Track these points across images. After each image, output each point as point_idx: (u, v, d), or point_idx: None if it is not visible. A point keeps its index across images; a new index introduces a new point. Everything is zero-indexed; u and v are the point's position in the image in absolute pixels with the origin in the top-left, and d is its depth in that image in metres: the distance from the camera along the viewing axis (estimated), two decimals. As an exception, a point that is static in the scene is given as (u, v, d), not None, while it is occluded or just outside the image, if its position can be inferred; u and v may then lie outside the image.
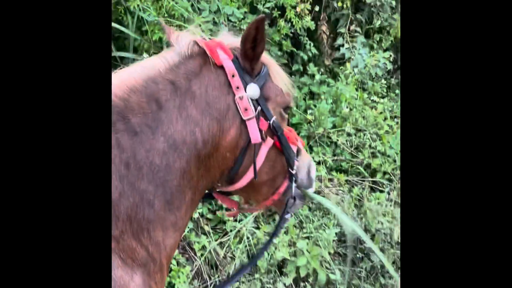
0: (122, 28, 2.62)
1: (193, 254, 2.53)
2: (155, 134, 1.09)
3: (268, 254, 2.46)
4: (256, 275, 2.44)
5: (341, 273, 2.51)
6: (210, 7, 2.82)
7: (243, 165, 1.25)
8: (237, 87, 1.19)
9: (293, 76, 3.95)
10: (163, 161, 1.09)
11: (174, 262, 2.37)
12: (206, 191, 1.33)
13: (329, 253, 2.47)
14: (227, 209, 1.52)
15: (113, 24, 2.54)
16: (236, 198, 1.51)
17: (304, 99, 3.74)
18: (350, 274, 2.52)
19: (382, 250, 2.63)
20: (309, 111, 3.59)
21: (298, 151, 1.43)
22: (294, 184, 1.40)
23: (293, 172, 1.37)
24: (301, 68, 3.92)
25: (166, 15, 2.69)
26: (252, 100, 1.21)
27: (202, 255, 2.49)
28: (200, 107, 1.15)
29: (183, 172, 1.12)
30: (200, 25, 2.60)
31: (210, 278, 2.45)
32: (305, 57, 3.87)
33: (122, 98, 1.08)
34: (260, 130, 1.22)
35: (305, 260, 2.38)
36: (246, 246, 2.51)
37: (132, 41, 2.71)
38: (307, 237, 2.56)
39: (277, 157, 1.33)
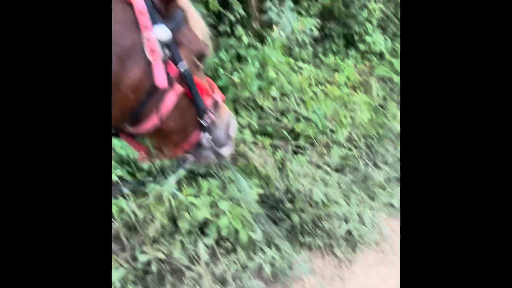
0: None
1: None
2: None
3: (189, 214, 2.42)
4: (177, 236, 2.41)
5: (263, 232, 2.55)
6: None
7: (147, 108, 1.20)
8: (145, 27, 1.12)
9: (220, 37, 3.85)
10: None
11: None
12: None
13: (251, 213, 2.49)
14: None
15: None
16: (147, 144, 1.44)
17: (231, 62, 3.66)
18: (271, 233, 2.57)
19: (302, 209, 2.71)
20: (236, 74, 3.53)
21: (216, 104, 1.38)
22: (208, 136, 1.36)
23: (206, 124, 1.34)
24: (229, 29, 3.82)
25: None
26: (161, 42, 1.15)
27: (121, 219, 2.40)
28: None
29: None
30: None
31: (128, 241, 2.37)
32: (233, 19, 3.77)
33: None
34: (169, 76, 1.18)
35: (226, 220, 2.38)
36: (167, 209, 2.45)
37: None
38: (230, 199, 2.56)
39: (187, 106, 1.29)
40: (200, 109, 1.32)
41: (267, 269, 2.42)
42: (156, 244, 2.38)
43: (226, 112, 1.47)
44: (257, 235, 2.42)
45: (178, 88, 1.22)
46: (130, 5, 1.11)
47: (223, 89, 3.51)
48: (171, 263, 2.32)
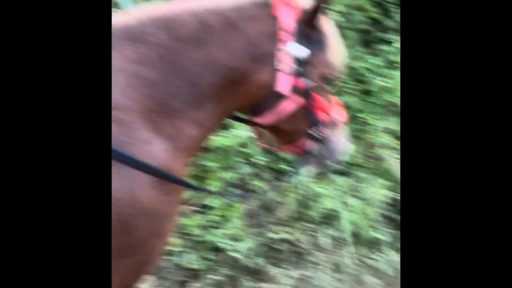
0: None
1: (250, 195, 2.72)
2: (200, 49, 1.29)
3: (318, 204, 2.58)
4: (304, 223, 2.59)
5: (390, 235, 2.56)
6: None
7: (266, 106, 1.41)
8: (282, 41, 1.32)
9: (375, 44, 3.89)
10: (201, 71, 1.29)
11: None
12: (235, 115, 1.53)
13: (377, 213, 2.53)
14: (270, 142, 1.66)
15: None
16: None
17: (382, 68, 3.68)
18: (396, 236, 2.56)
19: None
20: (386, 80, 3.54)
21: (334, 123, 1.53)
22: (316, 148, 1.52)
23: (318, 136, 1.49)
24: (384, 36, 3.84)
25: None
26: (294, 58, 1.34)
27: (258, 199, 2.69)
28: (243, 43, 1.32)
29: (214, 86, 1.31)
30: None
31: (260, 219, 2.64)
32: (392, 25, 3.77)
33: (179, 15, 1.30)
34: (294, 87, 1.36)
35: (352, 215, 2.47)
36: (298, 196, 2.65)
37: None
38: (358, 197, 2.63)
39: (302, 117, 1.45)
40: (312, 123, 1.46)
41: (390, 271, 2.43)
42: (284, 226, 2.60)
43: (342, 133, 1.59)
44: (380, 235, 2.45)
45: (298, 100, 1.39)
46: (274, 18, 1.32)
47: (374, 94, 3.56)
48: (295, 244, 2.52)
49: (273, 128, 1.49)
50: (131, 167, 1.17)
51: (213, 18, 1.31)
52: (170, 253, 2.38)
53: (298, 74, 1.36)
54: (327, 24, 1.43)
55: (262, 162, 2.77)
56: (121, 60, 1.22)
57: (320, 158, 1.56)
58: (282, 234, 2.53)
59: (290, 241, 2.55)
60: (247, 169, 2.73)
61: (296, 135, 1.51)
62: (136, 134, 1.21)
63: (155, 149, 1.23)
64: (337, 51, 1.46)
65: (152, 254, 1.32)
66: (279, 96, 1.37)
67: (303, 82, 1.37)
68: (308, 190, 2.64)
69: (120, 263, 1.21)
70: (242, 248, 2.42)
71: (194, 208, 2.61)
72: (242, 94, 1.36)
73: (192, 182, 1.68)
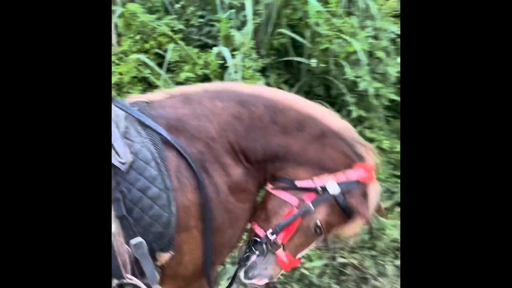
0: (301, 39, 3.30)
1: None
2: (282, 137, 1.61)
3: (386, 235, 2.81)
4: (373, 252, 2.82)
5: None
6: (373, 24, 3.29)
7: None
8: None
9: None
10: (276, 148, 1.62)
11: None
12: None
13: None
14: None
15: (293, 35, 3.25)
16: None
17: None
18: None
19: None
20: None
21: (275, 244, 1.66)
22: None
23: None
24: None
25: (335, 30, 3.26)
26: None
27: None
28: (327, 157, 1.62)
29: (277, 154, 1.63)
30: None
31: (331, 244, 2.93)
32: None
33: (287, 107, 1.62)
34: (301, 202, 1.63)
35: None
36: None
37: (306, 49, 3.36)
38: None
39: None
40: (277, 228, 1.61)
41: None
42: (353, 253, 2.86)
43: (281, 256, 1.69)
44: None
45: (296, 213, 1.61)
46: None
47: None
48: (361, 270, 2.76)
49: (263, 208, 1.74)
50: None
51: (310, 127, 1.60)
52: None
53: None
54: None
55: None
56: (223, 110, 1.59)
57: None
58: (351, 259, 2.79)
59: (357, 266, 2.79)
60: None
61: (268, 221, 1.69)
62: (220, 158, 1.57)
63: (234, 172, 1.59)
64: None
65: (228, 242, 1.66)
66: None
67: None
68: (377, 221, 2.89)
69: (207, 242, 1.56)
70: (314, 266, 2.72)
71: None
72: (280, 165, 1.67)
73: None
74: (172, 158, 1.49)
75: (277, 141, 1.60)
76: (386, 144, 3.36)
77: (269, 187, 1.70)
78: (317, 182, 1.58)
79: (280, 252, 1.62)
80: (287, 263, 1.64)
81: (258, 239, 1.64)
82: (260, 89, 1.74)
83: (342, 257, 2.83)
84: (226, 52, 3.05)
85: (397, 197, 3.12)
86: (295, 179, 1.61)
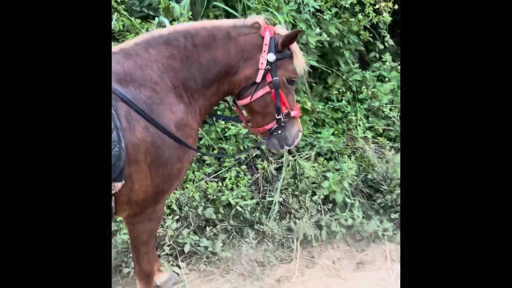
0: (233, 11, 3.68)
1: (255, 171, 3.53)
2: (206, 51, 2.00)
3: (306, 178, 3.35)
4: (296, 191, 3.36)
5: (359, 203, 3.29)
6: (296, -1, 3.74)
7: (248, 91, 2.11)
8: (264, 51, 2.05)
9: (371, 63, 4.65)
10: (207, 64, 2.01)
11: (241, 172, 3.41)
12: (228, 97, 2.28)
13: (350, 184, 3.27)
14: (239, 121, 2.40)
15: (227, 7, 3.63)
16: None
17: (373, 80, 4.41)
18: (365, 204, 3.29)
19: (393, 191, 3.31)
20: (374, 90, 4.26)
21: (291, 115, 2.19)
22: (279, 131, 2.18)
23: (280, 119, 2.14)
24: (377, 55, 4.59)
25: (264, 3, 3.68)
26: (268, 61, 2.04)
27: (262, 173, 3.49)
28: (238, 49, 2.04)
29: (216, 75, 2.04)
30: (286, 13, 3.56)
31: (263, 188, 3.43)
32: (382, 47, 4.53)
33: (195, 29, 2.02)
34: (264, 79, 2.06)
35: (329, 184, 3.22)
36: (290, 172, 3.43)
37: (238, 20, 3.75)
38: (336, 169, 3.38)
39: (269, 102, 2.12)
40: (278, 110, 2.11)
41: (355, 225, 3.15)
42: (281, 193, 3.38)
43: (298, 125, 2.25)
44: (351, 200, 3.19)
45: (266, 88, 2.08)
46: (262, 38, 2.06)
47: (362, 101, 4.31)
48: (287, 206, 3.29)
49: (249, 109, 2.18)
50: (156, 128, 1.86)
51: (218, 32, 2.02)
52: (195, 207, 3.20)
53: (268, 71, 2.05)
54: (295, 45, 2.13)
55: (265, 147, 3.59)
56: (158, 55, 1.93)
57: (278, 140, 2.23)
58: (277, 198, 3.31)
59: (282, 203, 3.32)
60: (254, 152, 3.56)
61: (264, 118, 2.17)
62: (165, 99, 1.91)
63: (178, 109, 1.94)
64: (298, 61, 2.12)
65: (177, 173, 2.02)
66: (256, 85, 2.08)
67: (272, 77, 2.08)
68: (299, 167, 3.43)
69: (155, 174, 1.92)
70: (247, 204, 3.21)
71: (214, 179, 3.45)
72: (233, 81, 2.09)
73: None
74: (121, 105, 1.82)
75: (206, 58, 1.99)
76: (308, 105, 3.88)
77: (240, 102, 2.15)
78: (261, 66, 2.04)
79: (294, 114, 2.21)
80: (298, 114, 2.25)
81: (275, 124, 2.16)
82: (174, 26, 2.11)
83: (270, 196, 3.34)
84: (166, 22, 3.38)
85: (316, 149, 3.67)
86: (246, 80, 2.08)
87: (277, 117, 2.15)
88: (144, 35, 2.06)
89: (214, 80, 2.06)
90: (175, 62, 1.97)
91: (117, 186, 1.81)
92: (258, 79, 2.07)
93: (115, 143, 1.73)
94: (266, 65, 2.05)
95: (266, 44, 2.05)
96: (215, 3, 3.67)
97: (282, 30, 2.13)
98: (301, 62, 2.15)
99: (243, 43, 2.07)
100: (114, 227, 1.87)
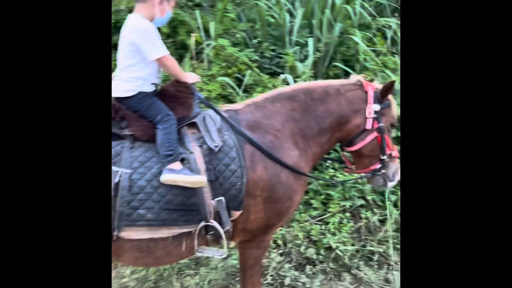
0: (351, 71, 4.01)
1: (359, 219, 3.68)
2: (322, 104, 2.39)
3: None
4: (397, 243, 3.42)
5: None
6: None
7: (359, 138, 2.44)
8: (370, 102, 2.42)
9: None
10: (322, 115, 2.38)
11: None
12: (339, 143, 2.58)
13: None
14: (345, 167, 2.67)
15: (345, 67, 3.97)
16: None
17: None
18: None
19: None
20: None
21: (392, 155, 2.47)
22: (382, 170, 2.48)
23: (384, 159, 2.44)
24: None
25: (380, 65, 3.94)
26: (374, 111, 2.40)
27: (366, 222, 3.63)
28: (348, 102, 2.41)
29: (330, 124, 2.39)
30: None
31: (365, 237, 3.56)
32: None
33: (312, 87, 2.44)
34: (373, 126, 2.40)
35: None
36: (393, 225, 3.52)
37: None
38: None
39: (375, 145, 2.44)
40: (383, 151, 2.43)
41: None
42: (380, 244, 3.46)
43: (397, 163, 2.52)
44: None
45: (374, 134, 2.42)
46: (366, 93, 2.45)
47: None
48: (387, 257, 3.36)
49: (358, 153, 2.49)
50: (277, 163, 2.22)
51: (330, 88, 2.43)
52: (298, 245, 3.47)
53: (375, 119, 2.40)
54: (391, 95, 2.48)
55: (370, 197, 3.74)
56: (282, 108, 2.35)
57: (383, 178, 2.51)
58: (378, 248, 3.41)
59: (382, 254, 3.41)
60: (359, 201, 3.73)
61: (371, 160, 2.48)
62: (284, 144, 2.29)
63: (293, 154, 2.30)
64: (395, 109, 2.48)
65: (286, 210, 2.36)
66: (365, 132, 2.43)
67: (377, 123, 2.41)
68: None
69: (268, 208, 2.26)
70: (347, 250, 3.38)
71: (318, 222, 3.69)
72: (345, 129, 2.44)
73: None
74: (248, 147, 2.23)
75: (321, 110, 2.37)
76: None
77: (351, 149, 2.48)
78: (369, 115, 2.39)
79: (394, 154, 2.49)
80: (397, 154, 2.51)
81: (379, 164, 2.47)
82: (295, 85, 2.57)
83: (371, 246, 3.45)
84: (290, 79, 3.84)
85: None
86: (356, 128, 2.42)
87: (382, 157, 2.45)
88: (272, 92, 2.52)
89: (328, 129, 2.41)
90: (296, 113, 2.37)
91: (236, 214, 2.16)
92: (368, 126, 2.41)
93: (239, 178, 2.12)
94: (374, 114, 2.38)
95: (370, 96, 2.41)
96: (336, 63, 4.05)
97: (379, 85, 2.48)
98: (395, 108, 2.49)
99: (351, 97, 2.44)
100: (226, 252, 2.20)
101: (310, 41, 4.02)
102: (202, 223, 2.10)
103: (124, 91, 2.16)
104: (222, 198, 2.11)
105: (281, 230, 3.56)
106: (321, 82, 2.56)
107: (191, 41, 4.18)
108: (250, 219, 2.24)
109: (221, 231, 2.11)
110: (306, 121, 2.37)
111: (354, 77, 2.54)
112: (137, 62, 2.14)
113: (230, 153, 2.16)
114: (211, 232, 2.14)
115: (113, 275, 3.20)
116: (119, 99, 2.16)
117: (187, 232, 2.10)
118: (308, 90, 2.43)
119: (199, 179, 2.02)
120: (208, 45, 4.23)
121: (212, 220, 2.11)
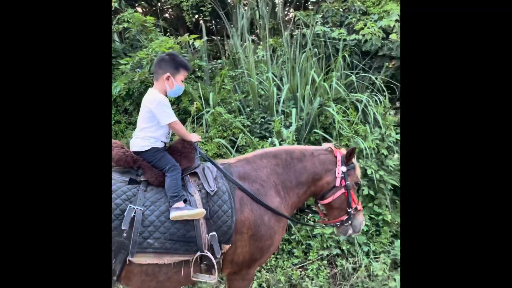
0: (329, 137, 4.63)
1: (335, 266, 4.10)
2: (299, 162, 2.89)
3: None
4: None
5: None
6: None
7: (329, 193, 2.93)
8: (338, 165, 2.93)
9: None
10: (300, 171, 2.88)
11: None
12: (313, 197, 3.09)
13: None
14: (319, 218, 3.20)
15: (324, 134, 4.60)
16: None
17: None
18: None
19: None
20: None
21: (357, 209, 2.98)
22: (348, 222, 2.97)
23: (351, 212, 2.94)
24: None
25: (353, 132, 4.57)
26: (342, 171, 2.91)
27: (340, 270, 4.05)
28: (320, 163, 2.94)
29: (306, 178, 2.90)
30: (371, 140, 4.39)
31: (339, 282, 3.95)
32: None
33: (292, 149, 3.01)
34: (341, 184, 2.90)
35: (394, 284, 3.64)
36: (364, 273, 3.94)
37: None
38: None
39: (343, 200, 2.92)
40: (349, 205, 2.90)
41: None
42: (353, 289, 3.85)
43: (361, 215, 3.01)
44: None
45: (342, 190, 2.89)
46: (335, 157, 3.00)
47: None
48: None
49: (328, 206, 2.97)
50: (262, 206, 2.76)
51: (306, 151, 2.96)
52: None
53: (342, 178, 2.92)
54: (354, 160, 3.04)
55: (345, 248, 4.18)
56: (268, 163, 2.86)
57: (348, 228, 2.99)
58: (350, 292, 3.79)
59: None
60: (335, 250, 4.17)
61: (339, 212, 2.95)
62: (268, 192, 2.80)
63: (275, 200, 2.80)
64: (358, 170, 3.03)
65: (267, 247, 2.84)
66: (335, 188, 2.93)
67: (345, 182, 2.94)
68: (372, 269, 3.91)
69: (253, 244, 2.78)
70: None
71: (299, 268, 4.09)
72: (319, 185, 2.93)
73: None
74: (238, 192, 2.76)
75: (299, 167, 2.90)
76: (388, 218, 4.45)
77: (322, 202, 2.97)
78: (338, 175, 2.89)
79: (359, 208, 2.99)
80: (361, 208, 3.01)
81: (346, 216, 2.93)
82: (279, 147, 3.19)
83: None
84: (276, 142, 4.44)
85: (391, 256, 4.13)
86: (327, 185, 2.92)
87: (348, 210, 2.93)
88: (260, 150, 3.09)
89: (304, 182, 2.91)
90: (278, 168, 2.90)
91: (226, 247, 2.64)
92: (337, 184, 2.91)
93: (229, 217, 2.62)
94: (342, 174, 2.91)
95: (339, 160, 2.96)
96: (316, 130, 4.69)
97: (344, 151, 3.04)
98: (358, 169, 3.04)
99: (323, 159, 2.99)
100: (217, 278, 2.65)
101: (294, 111, 4.68)
102: (198, 253, 2.55)
103: (141, 147, 2.71)
104: (215, 233, 2.57)
105: (266, 275, 3.96)
106: (299, 146, 3.16)
107: (193, 108, 4.82)
108: (237, 252, 2.68)
109: (213, 260, 2.56)
110: (287, 174, 2.89)
111: (326, 145, 3.13)
112: (152, 125, 2.72)
113: (223, 197, 2.65)
114: (205, 262, 2.59)
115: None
116: (137, 153, 2.71)
117: (185, 260, 2.55)
118: (289, 150, 3.01)
119: (200, 211, 2.52)
120: (207, 111, 4.86)
121: (206, 251, 2.57)
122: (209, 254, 2.56)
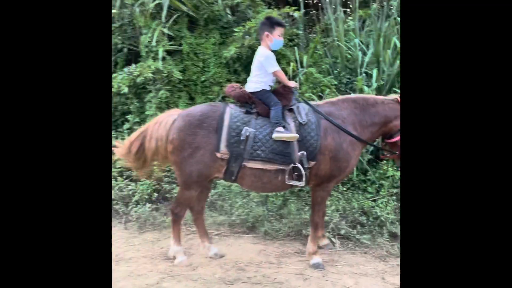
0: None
1: (401, 201, 4.80)
2: (373, 107, 3.74)
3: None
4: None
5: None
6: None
7: (396, 134, 3.74)
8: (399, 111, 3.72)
9: None
10: (373, 114, 3.73)
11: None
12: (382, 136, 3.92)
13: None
14: (391, 153, 3.93)
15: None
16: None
17: None
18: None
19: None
20: None
21: None
22: None
23: None
24: None
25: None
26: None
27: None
28: (389, 109, 3.76)
29: (378, 120, 3.74)
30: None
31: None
32: None
33: (367, 97, 3.86)
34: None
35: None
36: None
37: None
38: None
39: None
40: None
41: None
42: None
43: None
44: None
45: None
46: (399, 103, 3.78)
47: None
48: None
49: (394, 144, 3.78)
50: (344, 132, 3.68)
51: (378, 99, 3.80)
52: (353, 213, 4.66)
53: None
54: None
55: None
56: (348, 105, 3.73)
57: None
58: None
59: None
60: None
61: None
62: (347, 126, 3.65)
63: (353, 133, 3.71)
64: None
65: (344, 168, 3.73)
66: (399, 131, 3.72)
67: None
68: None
69: (332, 164, 3.68)
70: (389, 218, 4.51)
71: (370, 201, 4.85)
72: (388, 127, 3.78)
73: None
74: (324, 123, 3.65)
75: (372, 111, 3.70)
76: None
77: (389, 141, 3.82)
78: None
79: None
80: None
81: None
82: (357, 95, 4.06)
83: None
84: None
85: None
86: (395, 127, 3.70)
87: None
88: (342, 96, 3.98)
89: (377, 123, 3.76)
90: (356, 110, 3.75)
91: (311, 163, 3.59)
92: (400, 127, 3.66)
93: (315, 141, 3.56)
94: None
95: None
96: (394, 89, 5.28)
97: None
98: None
99: (392, 107, 3.78)
100: (304, 183, 3.55)
101: (375, 71, 5.32)
102: (292, 164, 3.52)
103: (254, 88, 3.71)
104: (304, 152, 3.53)
105: (343, 203, 4.79)
106: (373, 95, 4.00)
107: (289, 69, 5.71)
108: (320, 168, 3.58)
109: (303, 170, 3.50)
110: (363, 116, 3.74)
111: (392, 96, 3.85)
112: (262, 73, 3.70)
113: (311, 126, 3.60)
114: (296, 173, 3.53)
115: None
116: (251, 92, 3.71)
117: (282, 169, 3.52)
118: (365, 98, 3.85)
119: (294, 135, 3.49)
120: (301, 72, 5.72)
121: (297, 163, 3.51)
122: (299, 166, 3.51)
